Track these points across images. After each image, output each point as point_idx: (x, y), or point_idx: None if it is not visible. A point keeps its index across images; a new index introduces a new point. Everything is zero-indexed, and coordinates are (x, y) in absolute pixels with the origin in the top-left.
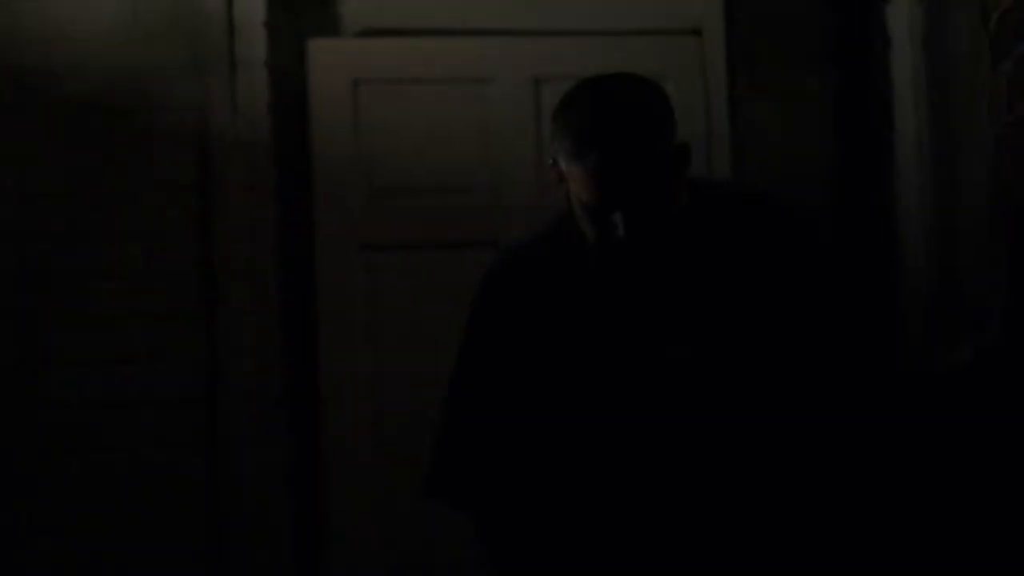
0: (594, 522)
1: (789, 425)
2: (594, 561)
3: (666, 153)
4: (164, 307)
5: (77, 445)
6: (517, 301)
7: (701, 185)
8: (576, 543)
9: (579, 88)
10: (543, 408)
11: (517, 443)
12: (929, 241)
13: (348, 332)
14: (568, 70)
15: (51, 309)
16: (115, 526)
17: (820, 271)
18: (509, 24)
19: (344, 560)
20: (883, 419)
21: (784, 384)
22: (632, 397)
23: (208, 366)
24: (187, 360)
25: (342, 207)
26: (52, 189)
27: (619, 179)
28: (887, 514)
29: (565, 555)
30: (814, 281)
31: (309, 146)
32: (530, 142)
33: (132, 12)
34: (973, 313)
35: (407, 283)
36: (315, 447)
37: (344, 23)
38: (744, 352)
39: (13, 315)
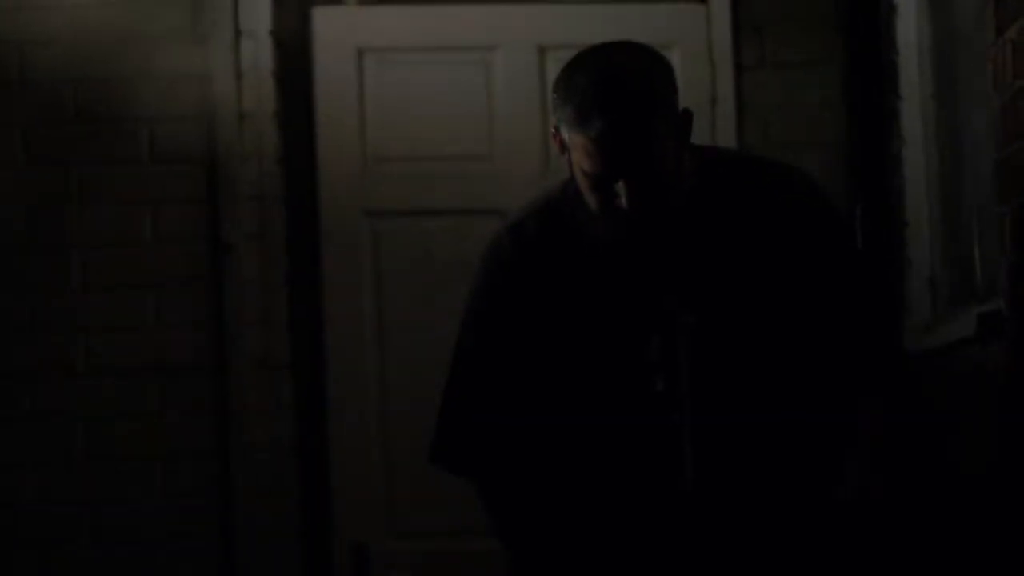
0: (592, 495)
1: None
2: (591, 532)
3: (668, 121)
4: (171, 275)
5: (84, 412)
6: (520, 271)
7: (706, 153)
8: (576, 519)
9: (582, 56)
10: (544, 380)
11: (517, 416)
12: (934, 209)
13: (352, 298)
14: (572, 38)
15: (58, 276)
16: (123, 493)
17: (826, 238)
18: None
19: (350, 523)
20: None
21: (792, 355)
22: (636, 369)
23: (216, 333)
24: (195, 328)
25: (347, 174)
26: (56, 157)
27: (621, 148)
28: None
29: (564, 529)
30: (820, 248)
31: (313, 114)
32: (534, 110)
33: None
34: (978, 282)
35: (411, 250)
36: (321, 412)
37: None
38: (749, 320)
39: (19, 281)
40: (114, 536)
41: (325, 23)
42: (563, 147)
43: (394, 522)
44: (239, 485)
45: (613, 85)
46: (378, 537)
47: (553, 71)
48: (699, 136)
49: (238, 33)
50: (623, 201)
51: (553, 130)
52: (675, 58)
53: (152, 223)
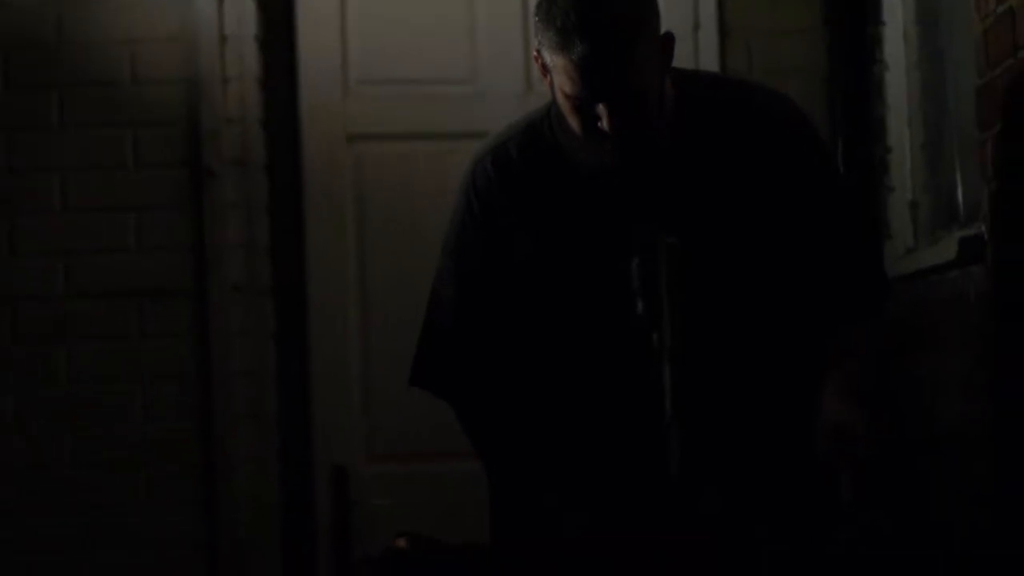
0: (570, 417)
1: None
2: (569, 455)
3: (650, 45)
4: (152, 198)
5: (65, 336)
6: (501, 194)
7: (689, 76)
8: (553, 442)
9: None
10: (524, 303)
11: (497, 339)
12: (916, 134)
13: (335, 223)
14: None
15: (38, 199)
16: (103, 417)
17: (807, 162)
18: None
19: (330, 448)
20: None
21: (775, 279)
22: (616, 291)
23: (197, 258)
24: (176, 252)
25: (328, 98)
26: (36, 80)
27: (603, 71)
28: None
29: (541, 453)
30: (801, 171)
31: (295, 37)
32: (516, 31)
33: None
34: (960, 207)
35: (393, 174)
36: (302, 336)
37: None
38: (732, 242)
39: None
40: (95, 458)
41: None
42: (545, 70)
43: (373, 446)
44: (220, 409)
45: (594, 8)
46: (357, 461)
47: None
48: (681, 62)
49: None
50: (605, 124)
51: (535, 53)
52: None
53: (133, 147)
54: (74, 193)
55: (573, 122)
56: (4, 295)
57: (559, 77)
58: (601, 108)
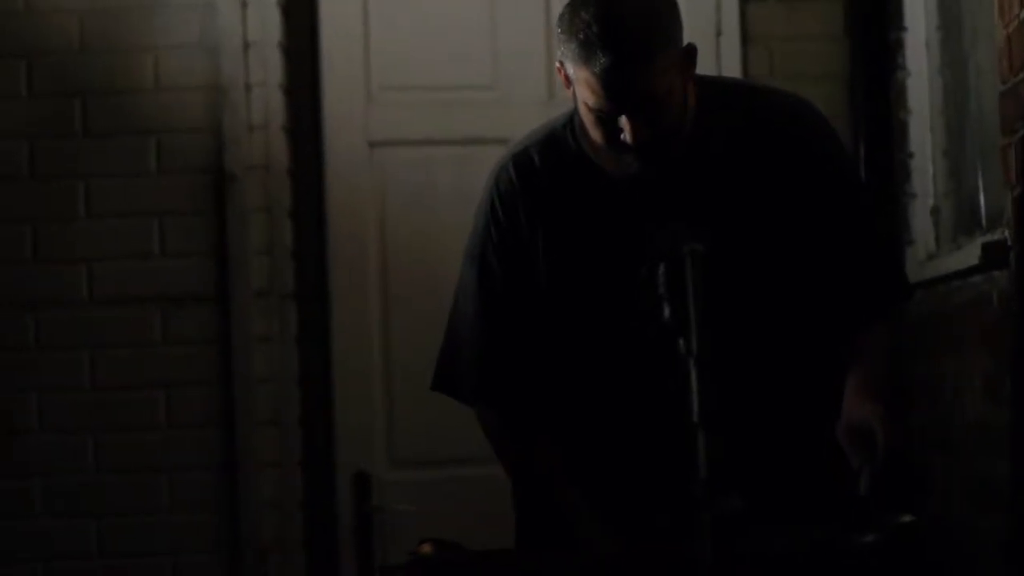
0: (594, 425)
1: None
2: (592, 463)
3: (672, 57)
4: (176, 204)
5: (89, 342)
6: (523, 200)
7: (712, 83)
8: (576, 449)
9: None
10: (548, 309)
11: (519, 346)
12: (938, 140)
13: (357, 228)
14: None
15: (63, 206)
16: (126, 421)
17: (829, 168)
18: None
19: (351, 452)
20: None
21: (798, 284)
22: (642, 298)
23: (220, 263)
24: (199, 257)
25: (351, 104)
26: (60, 88)
27: (625, 84)
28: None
29: (564, 460)
30: (823, 178)
31: (318, 43)
32: (539, 38)
33: None
34: (982, 213)
35: (415, 180)
36: (324, 341)
37: None
38: (756, 248)
39: (24, 211)
40: (117, 464)
41: None
42: (568, 81)
43: (396, 451)
44: (242, 414)
45: (617, 21)
46: (379, 466)
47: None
48: (704, 68)
49: None
50: (627, 136)
51: (558, 65)
52: None
53: (156, 153)
54: (97, 199)
55: (595, 134)
56: (28, 301)
57: (581, 89)
58: (623, 120)
